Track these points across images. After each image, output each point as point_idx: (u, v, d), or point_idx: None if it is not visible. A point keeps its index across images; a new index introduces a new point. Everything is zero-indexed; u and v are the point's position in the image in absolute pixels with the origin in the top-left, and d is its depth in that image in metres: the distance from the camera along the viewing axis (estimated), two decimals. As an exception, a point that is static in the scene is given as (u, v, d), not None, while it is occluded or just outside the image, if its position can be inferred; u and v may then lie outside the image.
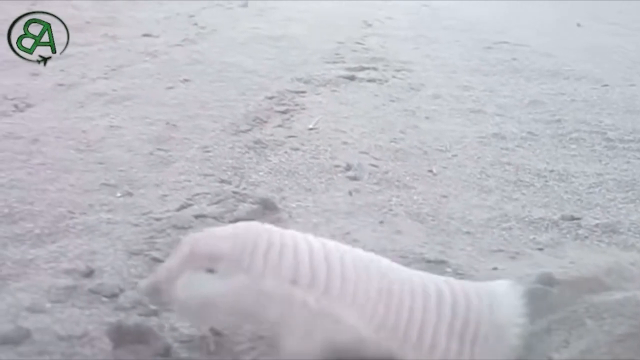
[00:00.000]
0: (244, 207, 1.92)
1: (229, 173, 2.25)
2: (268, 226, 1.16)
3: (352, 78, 3.82)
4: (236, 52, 4.52)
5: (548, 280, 1.60)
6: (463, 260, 1.79)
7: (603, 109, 3.59)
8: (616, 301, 1.52)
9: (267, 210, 1.93)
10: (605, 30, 7.01)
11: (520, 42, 5.84)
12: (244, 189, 2.11)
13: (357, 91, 3.60)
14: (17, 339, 1.20)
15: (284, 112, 3.01)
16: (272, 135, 2.67)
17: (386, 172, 2.36)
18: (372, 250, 1.74)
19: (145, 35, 5.03)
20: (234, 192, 2.04)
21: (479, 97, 3.72)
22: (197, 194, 2.04)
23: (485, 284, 1.28)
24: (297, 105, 3.16)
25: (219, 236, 1.10)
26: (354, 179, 2.27)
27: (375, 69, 4.17)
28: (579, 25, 7.15)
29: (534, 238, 1.97)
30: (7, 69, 3.94)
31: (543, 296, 1.57)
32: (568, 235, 2.00)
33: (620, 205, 2.26)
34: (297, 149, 2.54)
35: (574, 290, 1.59)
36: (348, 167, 2.34)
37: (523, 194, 2.33)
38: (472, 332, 1.14)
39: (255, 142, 2.55)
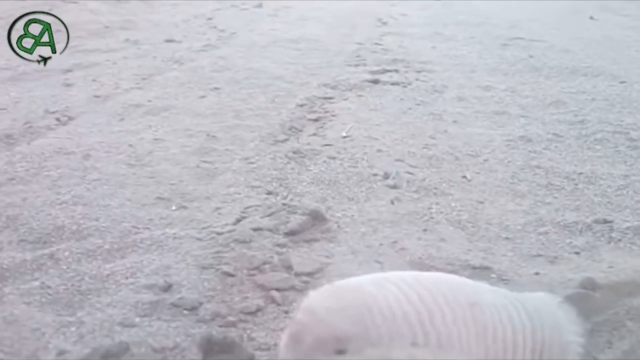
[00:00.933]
0: (295, 219, 2.03)
1: (274, 184, 2.36)
2: (360, 284, 1.13)
3: (376, 82, 3.92)
4: (259, 56, 4.62)
5: (590, 285, 1.71)
6: (506, 266, 1.90)
7: (624, 108, 3.68)
8: (655, 304, 1.63)
9: (316, 221, 2.05)
10: (618, 22, 7.06)
11: (535, 37, 5.90)
12: (292, 200, 2.22)
13: (383, 95, 3.70)
14: (119, 353, 1.32)
15: (316, 120, 3.12)
16: (308, 144, 2.78)
17: (423, 180, 2.47)
18: (420, 258, 1.87)
19: (168, 40, 5.15)
20: (284, 204, 2.15)
21: (501, 98, 3.81)
22: (249, 207, 2.15)
23: (541, 298, 1.33)
24: (327, 112, 3.26)
25: (334, 314, 1.06)
26: (394, 187, 2.38)
27: (397, 71, 4.27)
28: (591, 18, 7.20)
29: (570, 242, 2.08)
30: (39, 79, 4.08)
31: (586, 300, 1.68)
32: (602, 239, 2.11)
33: (649, 207, 2.36)
34: (334, 158, 2.65)
35: (614, 294, 1.70)
36: (386, 176, 2.45)
37: (555, 197, 2.43)
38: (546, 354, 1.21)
39: (294, 152, 2.66)
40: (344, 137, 2.90)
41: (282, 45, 5.08)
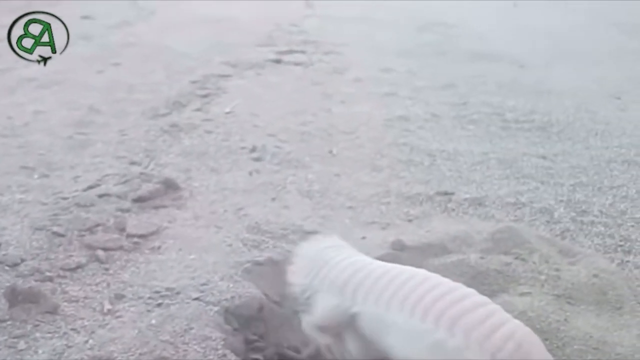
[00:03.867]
0: (147, 187, 2.14)
1: (140, 155, 2.46)
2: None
3: (278, 61, 4.04)
4: (173, 34, 4.68)
5: (399, 246, 1.88)
6: (338, 231, 2.05)
7: (511, 91, 3.87)
8: (451, 262, 1.81)
9: (169, 189, 2.16)
10: (539, 10, 7.29)
11: (456, 23, 6.08)
12: (152, 169, 2.33)
13: (282, 74, 3.81)
14: None
15: (204, 96, 3.22)
16: (189, 118, 2.88)
17: (288, 153, 2.60)
18: (257, 223, 2.01)
19: (85, 17, 5.14)
20: (141, 173, 2.26)
21: (397, 80, 3.97)
22: (107, 175, 2.25)
23: None
24: (219, 89, 3.37)
25: None
26: (257, 159, 2.51)
27: (304, 52, 4.39)
28: (515, 5, 7.42)
29: (407, 211, 2.24)
30: (-55, 52, 4.06)
31: (394, 259, 1.84)
32: (438, 208, 2.28)
33: (494, 182, 2.54)
34: (210, 132, 2.76)
35: (421, 255, 1.87)
36: (253, 149, 2.58)
37: (410, 172, 2.59)
38: None
39: (171, 126, 2.76)
40: (227, 112, 3.02)
41: (200, 24, 5.14)
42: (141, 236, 1.85)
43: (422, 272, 1.35)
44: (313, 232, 2.01)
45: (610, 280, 1.84)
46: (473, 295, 1.24)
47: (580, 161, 2.81)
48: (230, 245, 1.84)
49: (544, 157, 2.84)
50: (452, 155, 2.79)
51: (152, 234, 1.88)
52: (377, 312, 1.28)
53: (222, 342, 1.41)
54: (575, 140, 3.07)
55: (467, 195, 2.38)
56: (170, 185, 2.17)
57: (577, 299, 1.73)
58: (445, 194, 2.38)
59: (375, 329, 1.28)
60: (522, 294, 1.68)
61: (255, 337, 1.59)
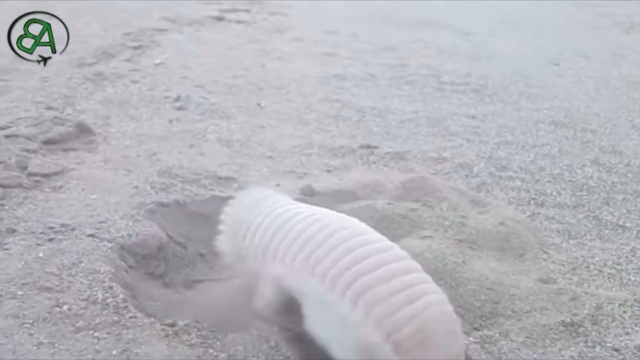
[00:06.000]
0: (58, 129, 2.09)
1: (59, 101, 2.39)
2: None
3: (220, 19, 3.97)
4: (115, -10, 4.55)
5: (309, 192, 1.87)
6: (253, 179, 2.03)
7: (450, 56, 3.89)
8: (359, 207, 1.81)
9: (82, 133, 2.11)
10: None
11: (410, -8, 6.05)
12: (69, 114, 2.26)
13: (221, 32, 3.75)
14: None
15: (136, 48, 3.15)
16: (115, 68, 2.81)
17: (213, 104, 2.56)
18: (169, 167, 1.97)
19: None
20: (55, 117, 2.19)
21: (339, 42, 3.94)
22: (20, 118, 2.18)
23: None
24: (153, 42, 3.29)
25: None
26: (180, 109, 2.46)
27: (248, 11, 4.32)
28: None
29: (327, 162, 2.23)
30: None
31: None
32: (359, 161, 2.28)
33: (420, 138, 2.55)
34: (136, 82, 2.69)
35: (331, 200, 1.87)
36: (177, 99, 2.53)
37: (337, 126, 2.58)
38: None
39: (96, 74, 2.68)
40: (157, 64, 2.95)
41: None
42: (44, 175, 1.80)
43: (347, 229, 1.20)
44: (226, 178, 2.00)
45: (516, 229, 1.86)
46: (393, 262, 1.11)
47: (508, 121, 2.84)
48: (136, 187, 1.81)
49: (473, 117, 2.86)
50: (383, 112, 2.79)
51: (56, 174, 1.83)
52: (297, 275, 1.17)
53: (110, 276, 1.38)
54: (507, 102, 3.11)
55: (390, 150, 2.39)
56: (83, 130, 2.12)
57: (479, 245, 1.76)
58: (369, 147, 2.38)
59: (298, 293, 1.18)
60: (423, 237, 1.70)
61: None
